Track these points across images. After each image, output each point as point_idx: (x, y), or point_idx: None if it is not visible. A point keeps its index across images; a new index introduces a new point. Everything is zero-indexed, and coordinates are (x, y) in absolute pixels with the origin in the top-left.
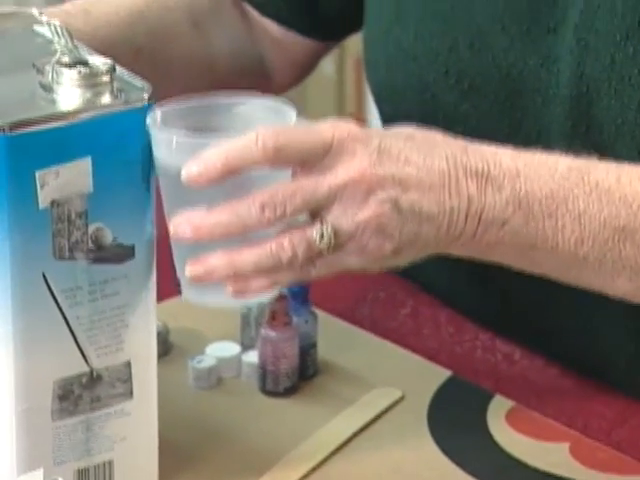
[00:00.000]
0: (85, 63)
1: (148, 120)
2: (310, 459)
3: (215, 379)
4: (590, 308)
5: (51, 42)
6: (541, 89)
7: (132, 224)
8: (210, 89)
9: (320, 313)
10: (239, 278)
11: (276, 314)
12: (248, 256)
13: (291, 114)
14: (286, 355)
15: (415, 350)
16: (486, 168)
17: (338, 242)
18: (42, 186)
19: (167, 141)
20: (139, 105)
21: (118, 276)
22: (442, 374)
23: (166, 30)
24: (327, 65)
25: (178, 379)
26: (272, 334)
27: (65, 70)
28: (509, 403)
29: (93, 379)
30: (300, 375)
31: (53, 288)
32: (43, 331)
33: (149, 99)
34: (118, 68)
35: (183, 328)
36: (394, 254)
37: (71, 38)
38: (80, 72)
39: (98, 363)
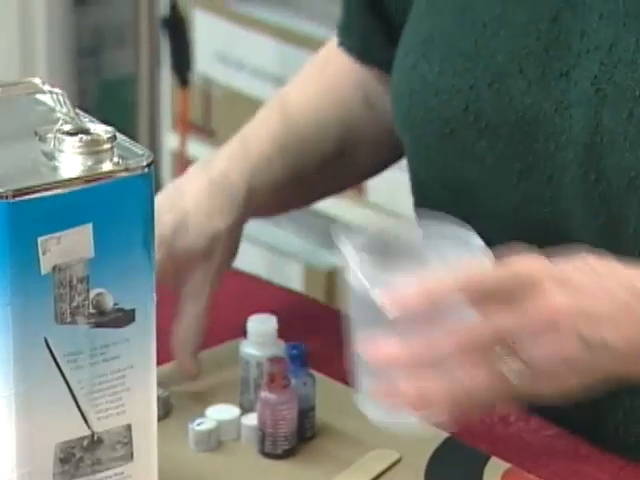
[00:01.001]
0: (87, 131)
1: (340, 243)
2: None
3: (215, 442)
4: None
5: (53, 110)
6: (555, 134)
7: (133, 289)
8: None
9: (318, 375)
10: (428, 405)
11: (275, 377)
12: (437, 387)
13: (479, 245)
14: (285, 418)
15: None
16: None
17: (529, 376)
18: (44, 252)
19: (358, 268)
20: (139, 172)
21: (119, 340)
22: (439, 436)
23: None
24: None
25: (178, 442)
26: (271, 397)
27: (67, 138)
28: (505, 465)
29: (94, 442)
30: (299, 437)
31: (55, 352)
32: (45, 395)
33: (149, 165)
34: (119, 135)
35: (183, 391)
36: (579, 386)
37: (73, 107)
38: (82, 139)
39: (99, 426)
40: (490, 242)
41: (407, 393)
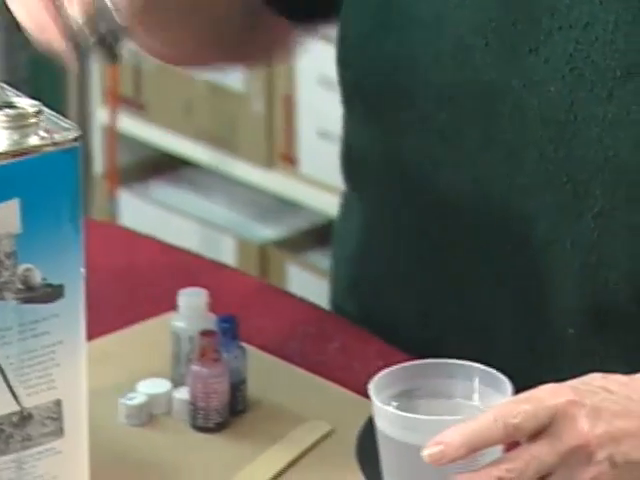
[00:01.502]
0: (12, 105)
1: (370, 388)
2: None
3: (146, 416)
4: (530, 330)
5: None
6: (522, 109)
7: (61, 264)
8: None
9: (249, 349)
10: None
11: (206, 350)
12: None
13: (507, 385)
14: (216, 391)
15: (344, 384)
16: None
17: None
18: None
19: (384, 413)
20: (66, 146)
21: (48, 316)
22: (370, 408)
23: None
24: (256, 103)
25: (109, 416)
26: (202, 370)
27: None
28: None
29: (24, 418)
30: (230, 411)
31: None
32: None
33: (76, 140)
34: (46, 110)
35: (114, 366)
36: None
37: None
38: (7, 114)
39: (29, 402)
40: (445, 217)
41: None
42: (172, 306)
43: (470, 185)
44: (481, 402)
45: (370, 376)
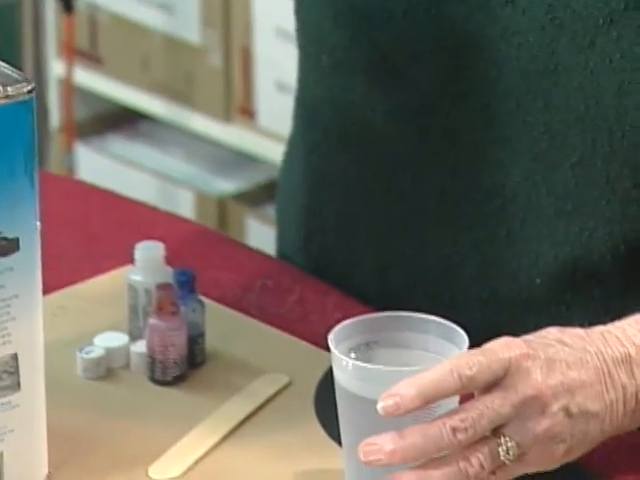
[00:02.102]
0: None
1: (329, 339)
2: (200, 446)
3: (104, 369)
4: (495, 279)
5: None
6: (498, 60)
7: (16, 217)
8: None
9: (207, 302)
10: None
11: (163, 304)
12: (437, 473)
13: (463, 337)
14: (174, 344)
15: (302, 336)
16: (626, 352)
17: (519, 454)
18: None
19: (343, 365)
20: (20, 99)
21: (3, 269)
22: (329, 359)
23: None
24: (214, 56)
25: (66, 370)
26: (160, 324)
27: None
28: None
29: None
30: (188, 364)
31: None
32: None
33: (30, 92)
34: (0, 62)
35: (71, 319)
36: (566, 455)
37: None
38: None
39: None
40: (419, 173)
41: None
42: (129, 260)
43: (440, 135)
44: (438, 354)
45: (328, 328)
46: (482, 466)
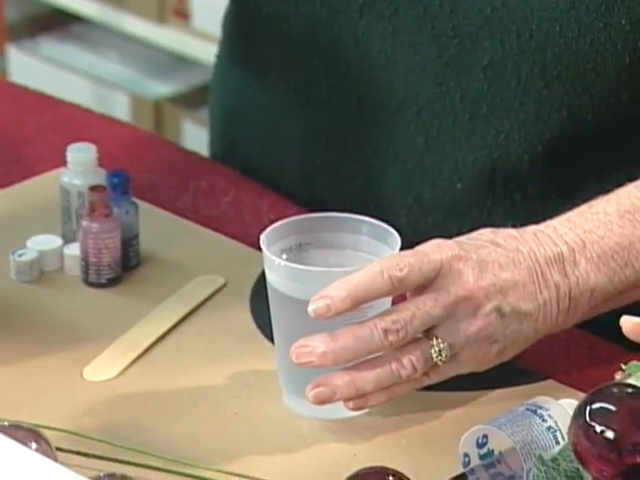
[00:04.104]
0: None
1: (261, 240)
2: (135, 347)
3: (37, 272)
4: (417, 184)
5: None
6: None
7: None
8: None
9: (141, 204)
10: (359, 395)
11: (96, 206)
12: (369, 375)
13: (395, 237)
14: (108, 246)
15: (237, 238)
16: (559, 251)
17: (452, 354)
18: None
19: (274, 266)
20: None
21: None
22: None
23: None
24: None
25: None
26: (93, 226)
27: None
28: None
29: None
30: (123, 266)
31: None
32: None
33: None
34: None
35: (3, 223)
36: (499, 355)
37: None
38: None
39: None
40: (329, 78)
41: (341, 388)
42: (62, 162)
43: (352, 44)
44: (370, 255)
45: (263, 229)
46: (414, 367)
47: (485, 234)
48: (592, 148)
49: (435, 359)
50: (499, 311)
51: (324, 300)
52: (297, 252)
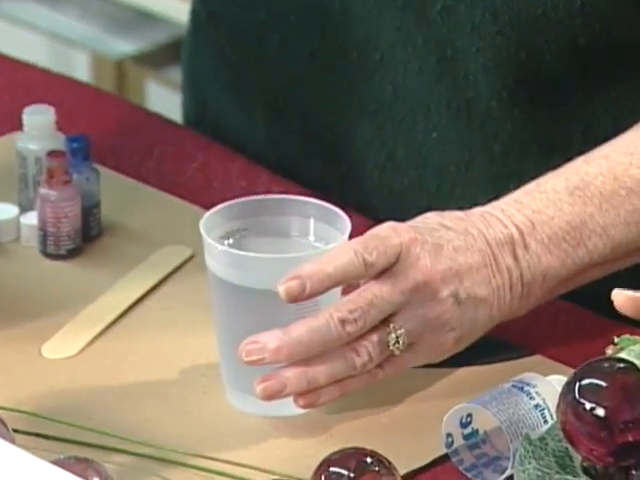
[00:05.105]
0: None
1: (200, 226)
2: (97, 323)
3: None
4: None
5: None
6: None
7: None
8: None
9: (102, 170)
10: (310, 391)
11: (54, 172)
12: (322, 366)
13: (345, 222)
14: (67, 215)
15: (205, 206)
16: (508, 233)
17: (409, 343)
18: None
19: (215, 252)
20: None
21: None
22: None
23: None
24: None
25: None
26: (51, 193)
27: None
28: None
29: None
30: (83, 236)
31: None
32: None
33: None
34: None
35: None
36: (456, 344)
37: None
38: None
39: None
40: (284, 39)
41: (291, 380)
42: (18, 126)
43: (303, 13)
44: (317, 239)
45: (233, 196)
46: (370, 356)
47: (432, 217)
48: (562, 97)
49: (392, 347)
50: (456, 297)
51: (298, 281)
52: (240, 237)
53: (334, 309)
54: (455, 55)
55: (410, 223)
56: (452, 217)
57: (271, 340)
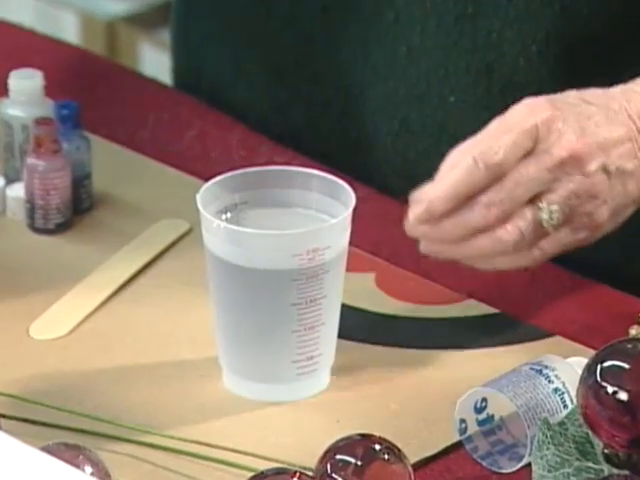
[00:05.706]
0: None
1: (197, 199)
2: (87, 302)
3: None
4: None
5: None
6: None
7: None
8: None
9: (94, 139)
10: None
11: (42, 141)
12: (474, 243)
13: (348, 194)
14: (56, 187)
15: (203, 177)
16: None
17: (564, 218)
18: None
19: (212, 227)
20: None
21: None
22: None
23: None
24: None
25: None
26: (39, 163)
27: None
28: None
29: None
30: (74, 209)
31: None
32: None
33: None
34: None
35: None
36: (610, 219)
37: None
38: None
39: None
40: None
41: (443, 252)
42: (3, 91)
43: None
44: (320, 212)
45: (232, 167)
46: (522, 234)
47: (572, 94)
48: (596, 53)
49: (546, 224)
50: (605, 169)
51: (423, 205)
52: (239, 211)
53: (478, 195)
54: (478, 10)
55: (550, 96)
56: (592, 93)
57: (430, 233)
